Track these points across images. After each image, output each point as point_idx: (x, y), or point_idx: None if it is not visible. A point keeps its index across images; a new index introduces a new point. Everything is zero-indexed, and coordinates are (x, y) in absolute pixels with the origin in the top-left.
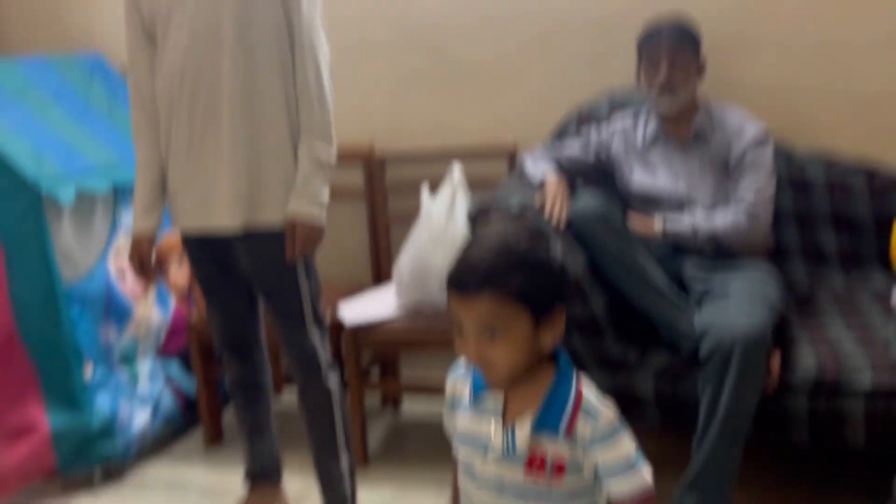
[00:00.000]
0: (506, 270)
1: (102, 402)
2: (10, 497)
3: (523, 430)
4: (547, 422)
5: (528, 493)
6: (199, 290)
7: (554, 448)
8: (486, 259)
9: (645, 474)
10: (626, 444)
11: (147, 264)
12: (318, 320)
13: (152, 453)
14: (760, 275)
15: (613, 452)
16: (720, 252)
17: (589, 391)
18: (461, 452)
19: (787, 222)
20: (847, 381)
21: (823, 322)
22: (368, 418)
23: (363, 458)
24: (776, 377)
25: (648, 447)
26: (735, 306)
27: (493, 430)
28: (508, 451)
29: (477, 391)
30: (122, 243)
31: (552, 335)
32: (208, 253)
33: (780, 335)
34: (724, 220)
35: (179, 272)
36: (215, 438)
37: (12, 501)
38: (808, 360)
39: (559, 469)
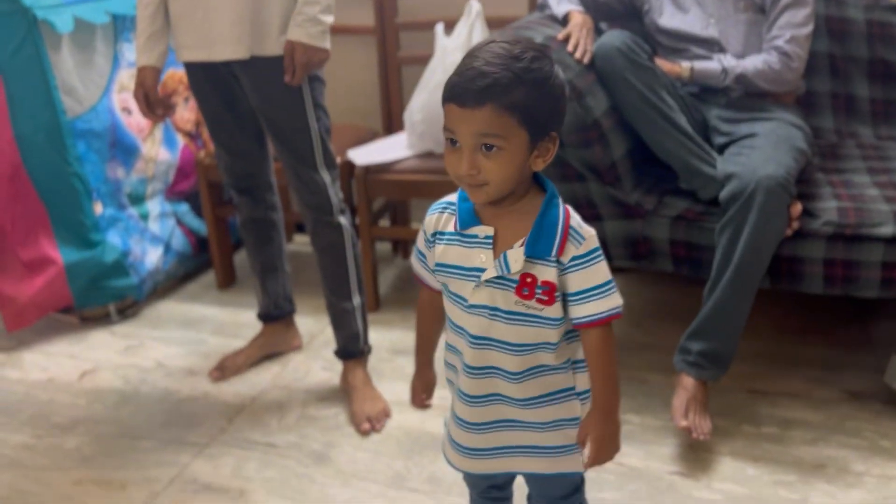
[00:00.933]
0: (509, 82)
1: (113, 239)
2: (29, 328)
3: (516, 254)
4: (538, 246)
5: (518, 318)
6: (207, 128)
7: (544, 272)
8: (490, 70)
9: (617, 294)
10: (604, 266)
11: (153, 99)
12: (329, 160)
13: (166, 293)
14: (787, 122)
15: (594, 275)
16: (748, 95)
17: (574, 216)
18: (451, 284)
19: (820, 68)
20: (867, 229)
21: (848, 171)
22: (379, 264)
23: (374, 303)
24: (795, 225)
25: (658, 297)
26: (760, 151)
27: (484, 257)
28: (503, 274)
29: (464, 224)
30: (126, 78)
31: (544, 161)
32: (214, 87)
33: (804, 184)
34: (754, 60)
35: (186, 110)
36: (227, 280)
37: (32, 333)
38: (829, 206)
39: (549, 292)
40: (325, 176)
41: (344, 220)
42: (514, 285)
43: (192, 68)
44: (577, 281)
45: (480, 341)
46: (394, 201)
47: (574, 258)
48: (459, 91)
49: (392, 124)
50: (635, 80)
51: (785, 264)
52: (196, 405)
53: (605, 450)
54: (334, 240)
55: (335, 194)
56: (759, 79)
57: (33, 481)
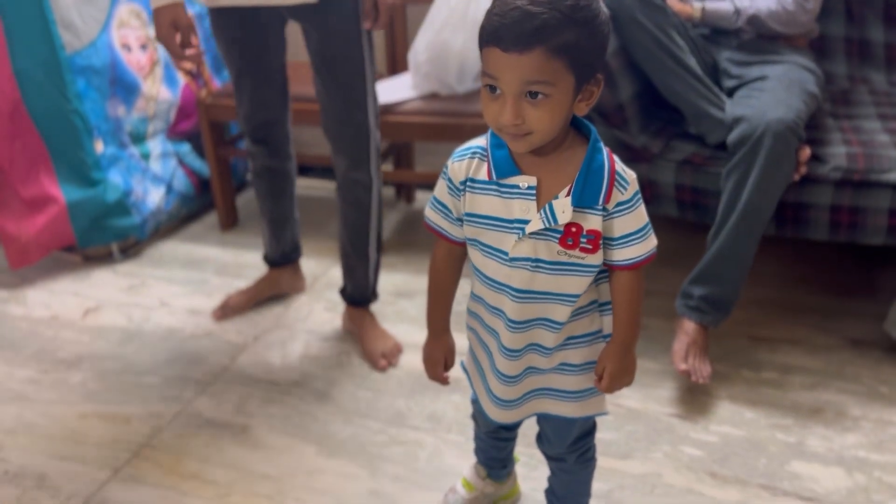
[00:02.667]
0: (559, 23)
1: (115, 178)
2: (32, 266)
3: (563, 204)
4: (586, 194)
5: (560, 268)
6: (231, 76)
7: (590, 220)
8: (537, 10)
9: (653, 235)
10: (643, 209)
11: (186, 39)
12: (375, 105)
13: (169, 233)
14: (799, 65)
15: (636, 219)
16: (760, 38)
17: (617, 160)
18: (486, 236)
19: (835, 11)
20: (876, 175)
21: (858, 116)
22: (382, 209)
23: None
24: (803, 170)
25: (661, 243)
26: (770, 94)
27: (528, 208)
28: (549, 226)
29: (502, 173)
30: (125, 14)
31: (587, 104)
32: (248, 36)
33: (813, 129)
34: (768, 1)
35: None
36: (230, 221)
37: (36, 271)
38: (838, 152)
39: (594, 241)
40: (372, 119)
41: (376, 170)
42: (559, 236)
43: (227, 15)
44: (620, 226)
45: (525, 295)
46: (397, 144)
47: (619, 203)
48: (503, 34)
49: (396, 65)
50: (646, 20)
51: (791, 210)
52: (199, 343)
53: (620, 381)
54: (361, 196)
55: (375, 137)
56: (773, 20)
57: (39, 414)
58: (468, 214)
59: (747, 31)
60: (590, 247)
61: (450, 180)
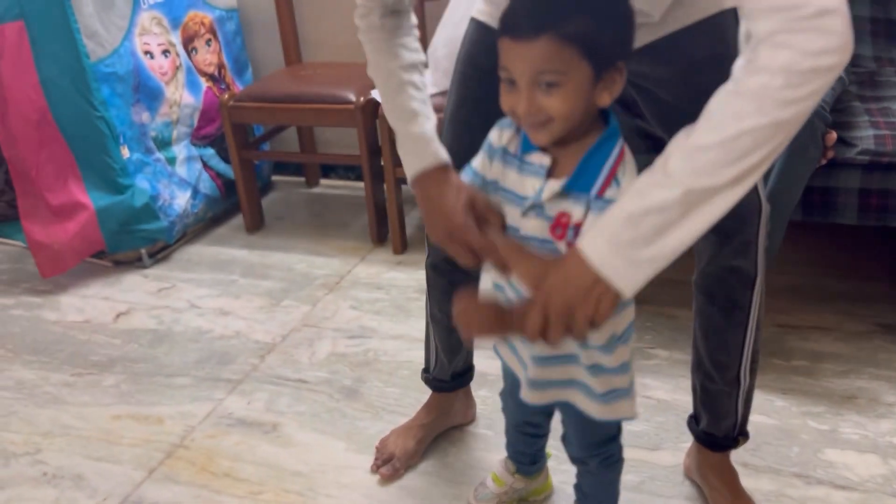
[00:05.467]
0: (569, 10)
1: (142, 183)
2: (67, 273)
3: (554, 184)
4: (581, 180)
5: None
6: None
7: (580, 210)
8: None
9: None
10: None
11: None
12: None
13: (196, 237)
14: None
15: None
16: None
17: (628, 161)
18: (507, 211)
19: None
20: None
21: (886, 98)
22: (405, 206)
23: (401, 245)
24: (830, 154)
25: None
26: None
27: (538, 185)
28: (536, 201)
29: (526, 148)
30: (146, 21)
31: (610, 93)
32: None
33: (839, 112)
34: None
35: (209, 53)
36: (256, 223)
37: (68, 277)
38: (865, 135)
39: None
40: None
41: (761, 263)
42: (550, 221)
43: None
44: (591, 220)
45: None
46: None
47: (601, 199)
48: (512, 22)
49: None
50: None
51: (818, 195)
52: (228, 344)
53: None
54: (738, 296)
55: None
56: None
57: (74, 416)
58: (495, 185)
59: None
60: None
61: (490, 144)
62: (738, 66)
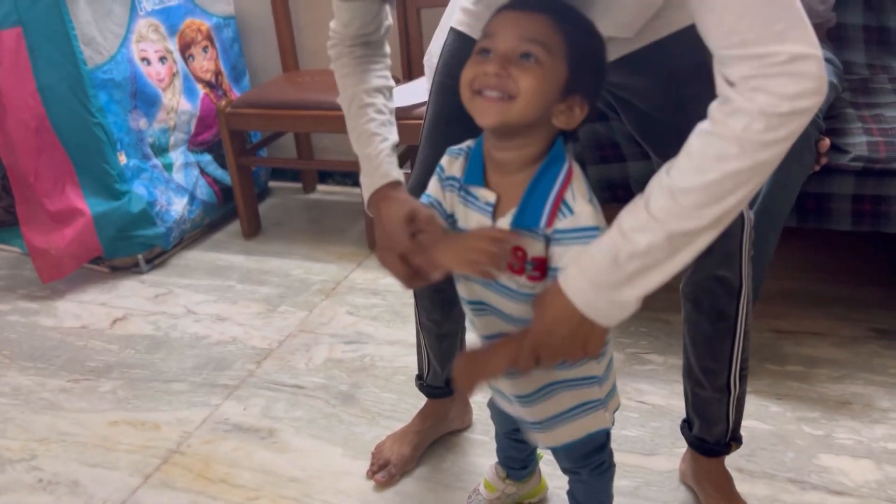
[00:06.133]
0: (573, 15)
1: (139, 189)
2: (64, 278)
3: (502, 225)
4: (526, 216)
5: (511, 294)
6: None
7: (533, 245)
8: None
9: None
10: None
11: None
12: None
13: (193, 242)
14: None
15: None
16: None
17: (576, 185)
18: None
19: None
20: None
21: (879, 105)
22: None
23: None
24: (823, 161)
25: None
26: None
27: (483, 224)
28: None
29: (469, 178)
30: (143, 28)
31: (566, 119)
32: None
33: (833, 119)
34: None
35: (206, 60)
36: (253, 229)
37: (65, 283)
38: (858, 141)
39: (540, 268)
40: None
41: (745, 274)
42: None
43: None
44: (557, 255)
45: (476, 306)
46: (414, 147)
47: (557, 231)
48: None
49: (412, 69)
50: None
51: (812, 201)
52: (225, 349)
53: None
54: (723, 305)
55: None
56: None
57: (71, 422)
58: (453, 220)
59: None
60: (537, 274)
61: (441, 170)
62: (715, 106)
